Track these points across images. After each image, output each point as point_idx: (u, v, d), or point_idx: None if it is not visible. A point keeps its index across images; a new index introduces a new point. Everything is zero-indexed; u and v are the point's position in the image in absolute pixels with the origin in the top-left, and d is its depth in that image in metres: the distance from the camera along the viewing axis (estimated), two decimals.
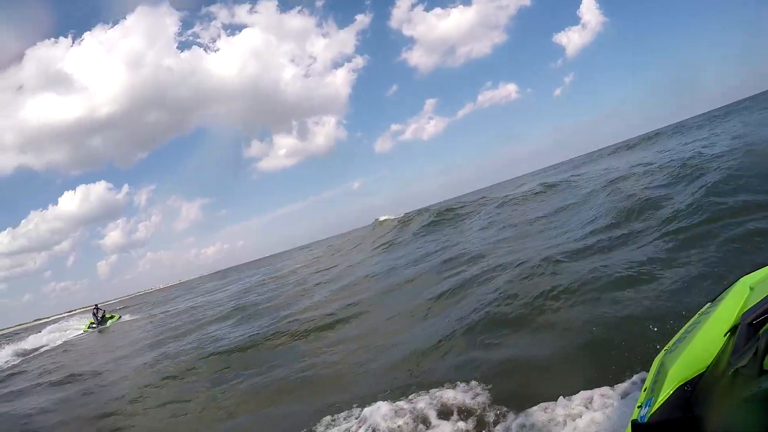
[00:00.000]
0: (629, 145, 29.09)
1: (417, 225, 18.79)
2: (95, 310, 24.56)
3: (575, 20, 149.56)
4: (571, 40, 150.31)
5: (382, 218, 27.06)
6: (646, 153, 19.11)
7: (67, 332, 23.68)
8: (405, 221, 21.76)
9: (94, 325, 23.77)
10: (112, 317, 24.70)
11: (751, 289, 1.49)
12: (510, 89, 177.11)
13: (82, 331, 23.50)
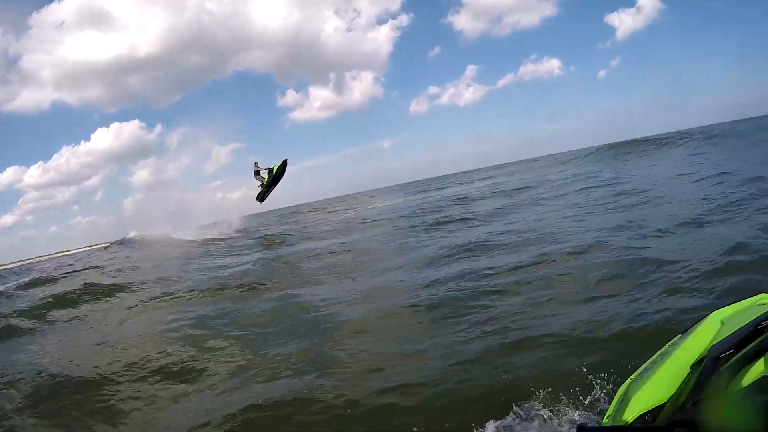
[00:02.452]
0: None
1: None
2: (258, 168, 21.86)
3: (631, 2, 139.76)
4: (624, 22, 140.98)
5: None
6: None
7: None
8: None
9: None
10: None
11: (722, 323, 1.54)
12: (553, 64, 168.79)
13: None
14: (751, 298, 1.70)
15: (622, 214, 8.88)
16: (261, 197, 22.07)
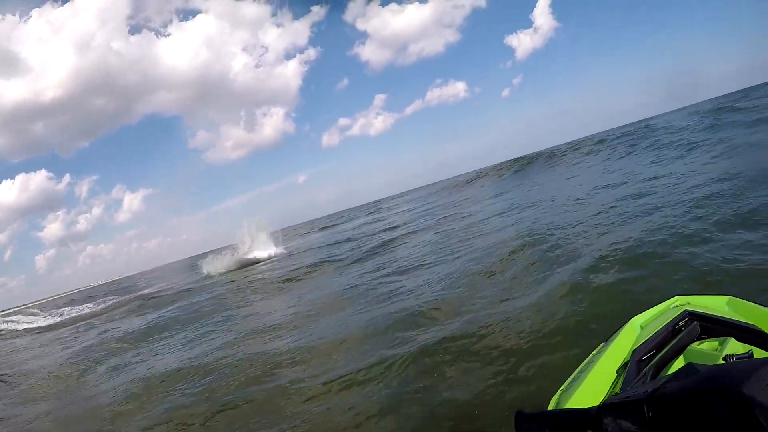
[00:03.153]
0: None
1: None
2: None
3: (528, 23, 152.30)
4: (522, 42, 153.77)
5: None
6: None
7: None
8: None
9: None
10: None
11: (641, 327, 1.60)
12: (459, 87, 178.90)
13: None
14: (666, 301, 1.76)
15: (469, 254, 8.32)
16: None
